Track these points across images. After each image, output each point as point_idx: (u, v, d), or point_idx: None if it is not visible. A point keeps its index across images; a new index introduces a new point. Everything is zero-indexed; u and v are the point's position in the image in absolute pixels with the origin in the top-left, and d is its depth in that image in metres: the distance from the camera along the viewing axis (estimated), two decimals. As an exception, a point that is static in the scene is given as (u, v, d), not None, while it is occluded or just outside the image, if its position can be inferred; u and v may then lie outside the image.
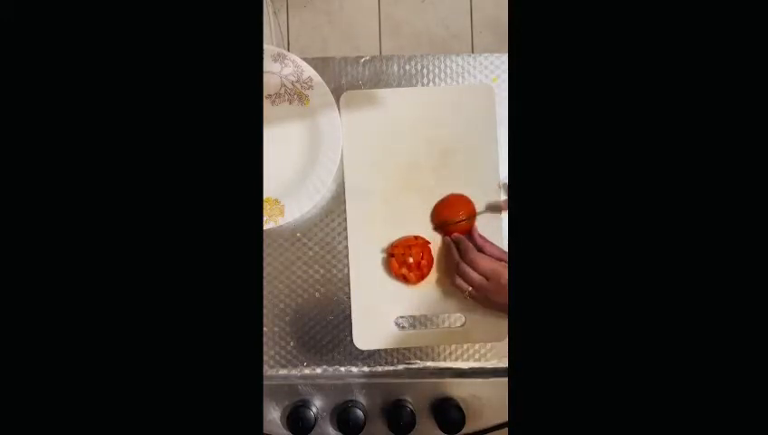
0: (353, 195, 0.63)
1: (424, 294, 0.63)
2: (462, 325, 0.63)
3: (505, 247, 0.62)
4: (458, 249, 0.60)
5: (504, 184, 0.64)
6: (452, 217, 0.62)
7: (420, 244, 0.62)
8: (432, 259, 0.63)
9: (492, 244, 0.61)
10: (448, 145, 0.63)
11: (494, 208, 0.63)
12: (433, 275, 0.63)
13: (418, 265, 0.62)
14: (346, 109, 0.63)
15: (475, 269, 0.58)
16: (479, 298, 0.59)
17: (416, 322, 0.63)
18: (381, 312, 0.63)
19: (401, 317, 0.63)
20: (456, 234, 0.62)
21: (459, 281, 0.59)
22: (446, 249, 0.62)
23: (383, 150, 0.63)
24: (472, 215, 0.62)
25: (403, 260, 0.62)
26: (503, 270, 0.57)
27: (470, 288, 0.58)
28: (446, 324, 0.63)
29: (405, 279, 0.62)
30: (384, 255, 0.63)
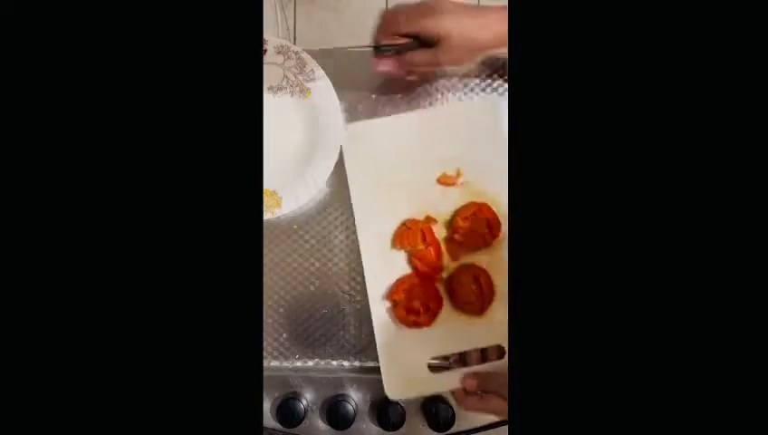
0: (364, 228, 0.60)
1: (452, 329, 0.57)
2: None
3: None
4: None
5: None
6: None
7: (420, 280, 0.56)
8: (438, 293, 0.57)
9: None
10: (459, 163, 0.60)
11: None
12: (451, 310, 0.57)
13: (426, 307, 0.55)
14: (351, 142, 0.60)
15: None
16: None
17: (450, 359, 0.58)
18: (410, 355, 0.57)
19: (433, 359, 0.57)
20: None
21: None
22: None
23: (389, 173, 0.60)
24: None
25: (409, 305, 0.55)
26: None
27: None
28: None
29: (416, 325, 0.56)
30: (389, 303, 0.58)
